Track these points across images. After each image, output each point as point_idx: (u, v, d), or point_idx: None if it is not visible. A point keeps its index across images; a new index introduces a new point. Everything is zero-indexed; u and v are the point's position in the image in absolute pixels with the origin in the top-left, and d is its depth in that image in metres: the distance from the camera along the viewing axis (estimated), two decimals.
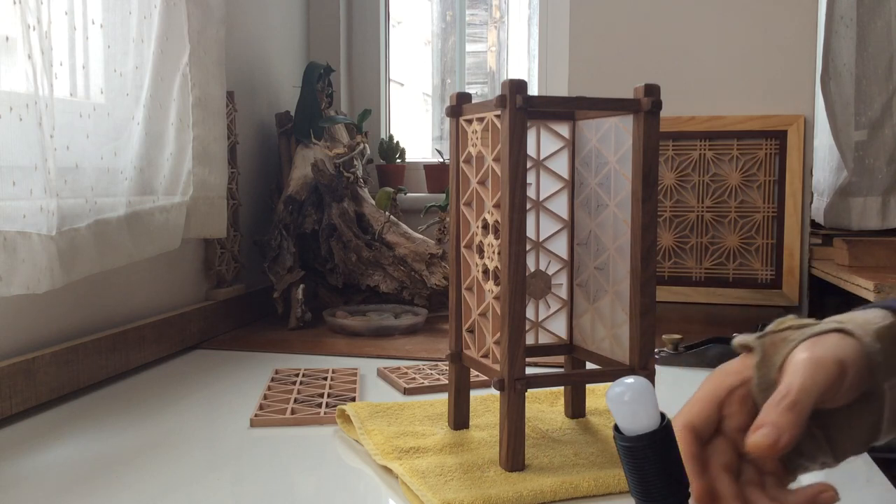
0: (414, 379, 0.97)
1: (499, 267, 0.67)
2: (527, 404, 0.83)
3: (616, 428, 0.41)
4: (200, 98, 1.13)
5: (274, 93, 1.60)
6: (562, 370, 0.87)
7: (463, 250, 0.74)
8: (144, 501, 0.63)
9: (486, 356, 0.71)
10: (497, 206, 0.67)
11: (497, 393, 0.66)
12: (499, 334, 0.66)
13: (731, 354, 0.53)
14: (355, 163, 1.51)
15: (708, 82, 1.65)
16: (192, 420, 0.84)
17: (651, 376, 0.68)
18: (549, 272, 0.76)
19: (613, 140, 0.71)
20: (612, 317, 0.72)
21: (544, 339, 0.78)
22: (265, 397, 0.89)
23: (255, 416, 0.82)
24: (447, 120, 0.75)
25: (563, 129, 0.76)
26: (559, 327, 0.78)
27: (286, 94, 1.63)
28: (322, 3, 1.81)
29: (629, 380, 0.41)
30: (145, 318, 1.11)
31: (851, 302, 1.48)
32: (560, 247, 0.77)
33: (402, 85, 2.18)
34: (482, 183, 0.71)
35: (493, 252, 0.68)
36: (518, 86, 0.63)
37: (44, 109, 0.80)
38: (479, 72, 3.02)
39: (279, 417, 0.81)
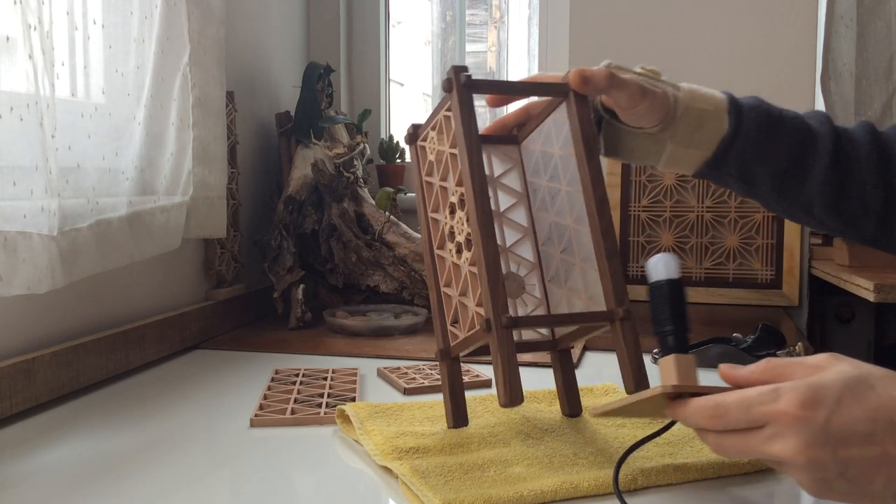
0: (414, 379, 0.97)
1: (469, 232, 0.69)
2: (525, 403, 0.83)
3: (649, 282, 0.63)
4: (200, 98, 1.13)
5: (274, 93, 1.60)
6: (549, 368, 0.88)
7: (436, 252, 0.77)
8: (144, 501, 0.63)
9: (471, 328, 0.71)
10: (460, 183, 0.71)
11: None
12: (480, 290, 0.68)
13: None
14: (355, 163, 1.51)
15: (708, 82, 1.64)
16: (192, 420, 0.84)
17: (630, 315, 0.69)
18: (521, 274, 0.80)
19: (554, 134, 0.76)
20: (584, 283, 0.74)
21: (527, 335, 0.80)
22: (265, 397, 0.89)
23: (255, 416, 0.82)
24: None
25: (513, 151, 0.81)
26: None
27: (286, 94, 1.64)
28: (322, 3, 1.81)
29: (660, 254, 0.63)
30: (145, 318, 1.11)
31: (852, 302, 1.49)
32: (526, 251, 0.80)
33: (402, 85, 2.18)
34: (444, 179, 0.75)
35: (463, 223, 0.71)
36: (460, 68, 0.71)
37: (45, 109, 0.80)
38: (479, 72, 3.02)
39: (279, 417, 0.81)
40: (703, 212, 1.64)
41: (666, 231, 1.66)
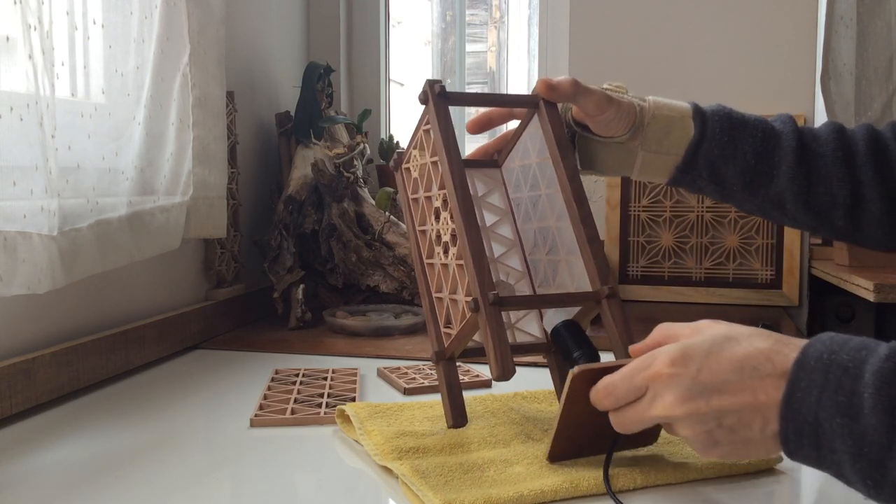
0: (414, 379, 0.97)
1: (454, 227, 0.71)
2: (525, 404, 0.84)
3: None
4: (200, 98, 1.13)
5: (274, 93, 1.60)
6: (545, 364, 0.88)
7: (426, 262, 0.78)
8: (144, 501, 0.63)
9: (463, 319, 0.72)
10: (442, 186, 0.73)
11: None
12: (468, 278, 0.68)
13: None
14: (355, 163, 1.51)
15: (708, 82, 1.65)
16: (192, 420, 0.84)
17: (614, 292, 0.71)
18: (511, 282, 0.81)
19: (530, 146, 0.79)
20: (571, 277, 0.75)
21: (521, 338, 0.81)
22: (265, 397, 0.89)
23: (255, 416, 0.82)
24: None
25: (495, 174, 0.84)
26: (533, 328, 0.81)
27: (286, 94, 1.64)
28: (322, 3, 1.81)
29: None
30: (145, 318, 1.11)
31: (852, 302, 1.48)
32: (514, 262, 0.82)
33: (402, 85, 2.18)
34: (428, 189, 0.77)
35: (448, 222, 0.73)
36: (434, 81, 0.75)
37: (45, 109, 0.80)
38: (479, 72, 3.02)
39: (279, 417, 0.81)
40: (703, 212, 1.64)
41: (666, 231, 1.66)
